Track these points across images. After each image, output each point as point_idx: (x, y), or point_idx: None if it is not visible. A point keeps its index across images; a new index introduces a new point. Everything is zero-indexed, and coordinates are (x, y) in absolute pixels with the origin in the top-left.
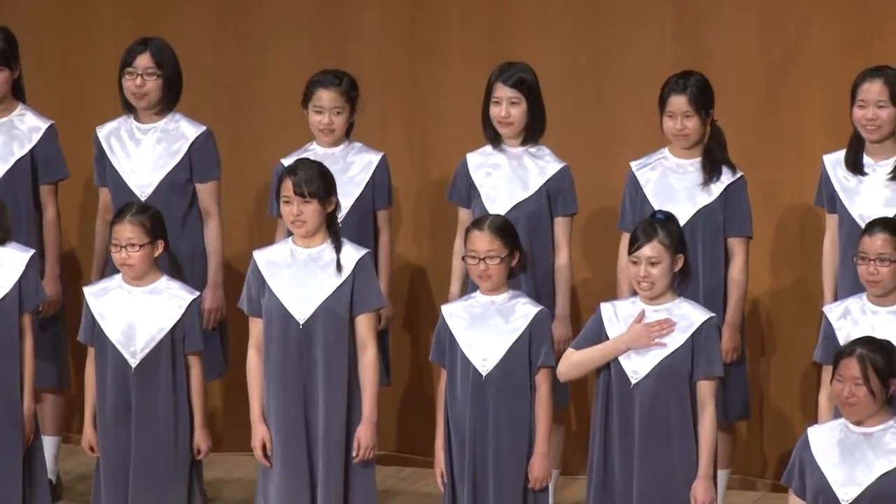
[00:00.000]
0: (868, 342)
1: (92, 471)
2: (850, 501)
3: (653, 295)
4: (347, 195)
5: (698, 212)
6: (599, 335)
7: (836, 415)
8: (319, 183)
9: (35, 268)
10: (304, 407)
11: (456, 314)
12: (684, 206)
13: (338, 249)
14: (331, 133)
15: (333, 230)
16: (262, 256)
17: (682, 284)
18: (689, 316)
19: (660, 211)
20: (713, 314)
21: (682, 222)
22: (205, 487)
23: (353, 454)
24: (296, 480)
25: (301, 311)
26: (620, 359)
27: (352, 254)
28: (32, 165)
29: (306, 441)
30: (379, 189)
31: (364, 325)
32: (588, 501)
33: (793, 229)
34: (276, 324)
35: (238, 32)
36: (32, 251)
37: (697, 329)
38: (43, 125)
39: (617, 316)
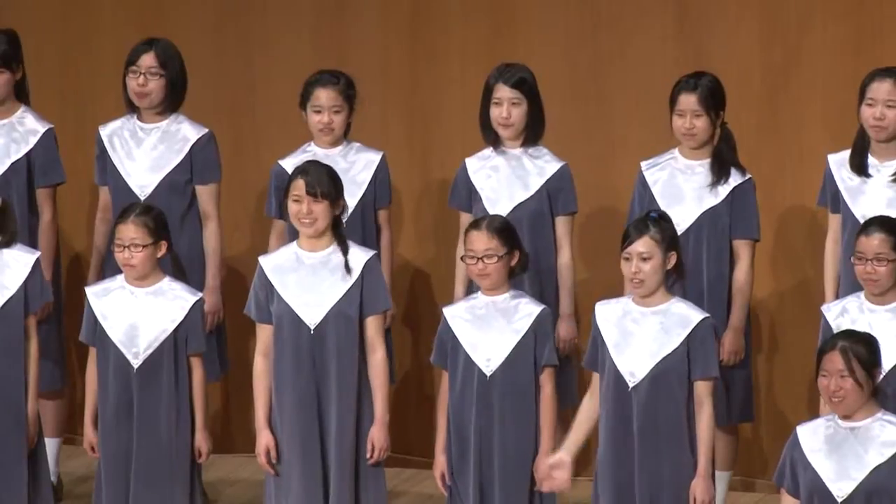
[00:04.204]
0: (849, 334)
1: (93, 473)
2: (845, 497)
3: (645, 292)
4: (350, 195)
5: (704, 213)
6: (597, 338)
7: None
8: (330, 184)
9: (40, 269)
10: (317, 409)
11: (458, 315)
12: (691, 207)
13: (345, 252)
14: (330, 132)
15: (339, 232)
16: (268, 262)
17: (676, 284)
18: (685, 316)
19: (653, 210)
20: (708, 314)
21: (688, 223)
22: (205, 489)
23: (367, 455)
24: (311, 483)
25: (312, 316)
26: (617, 361)
27: (360, 256)
28: (28, 168)
29: (320, 443)
30: (381, 188)
31: (373, 327)
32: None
33: (793, 230)
34: (286, 329)
35: (239, 34)
36: (38, 253)
37: (693, 330)
38: (41, 128)
39: (607, 316)
